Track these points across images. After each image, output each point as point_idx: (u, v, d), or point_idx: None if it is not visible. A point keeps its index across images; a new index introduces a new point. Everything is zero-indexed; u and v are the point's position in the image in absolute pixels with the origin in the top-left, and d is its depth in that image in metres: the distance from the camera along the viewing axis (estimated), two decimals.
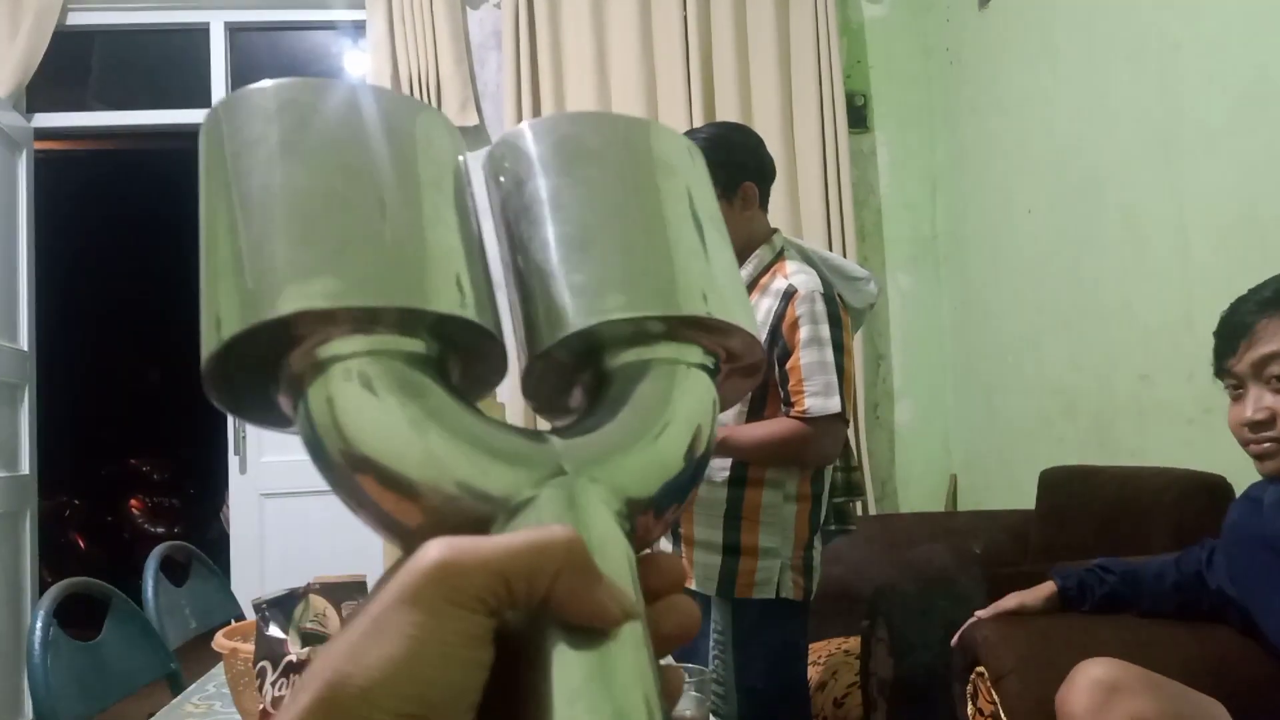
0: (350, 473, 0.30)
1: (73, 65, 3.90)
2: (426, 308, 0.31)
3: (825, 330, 1.83)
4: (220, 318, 0.30)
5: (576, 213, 0.35)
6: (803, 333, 1.83)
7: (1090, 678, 1.48)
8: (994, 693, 1.72)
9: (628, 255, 0.34)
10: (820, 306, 1.84)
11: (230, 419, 3.65)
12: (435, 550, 0.27)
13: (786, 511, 1.90)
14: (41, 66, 3.56)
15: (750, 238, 1.93)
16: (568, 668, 0.27)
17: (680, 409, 0.34)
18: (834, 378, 1.83)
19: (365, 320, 0.30)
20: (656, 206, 0.36)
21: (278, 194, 0.31)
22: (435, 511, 0.30)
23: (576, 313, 0.33)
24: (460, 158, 0.37)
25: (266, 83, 0.34)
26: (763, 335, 1.85)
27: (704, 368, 0.35)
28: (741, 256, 1.91)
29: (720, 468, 1.90)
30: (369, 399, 0.30)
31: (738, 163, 1.90)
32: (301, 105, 0.33)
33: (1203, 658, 1.67)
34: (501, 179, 0.37)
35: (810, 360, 1.83)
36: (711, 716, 1.02)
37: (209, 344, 0.30)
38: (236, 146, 0.33)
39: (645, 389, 0.34)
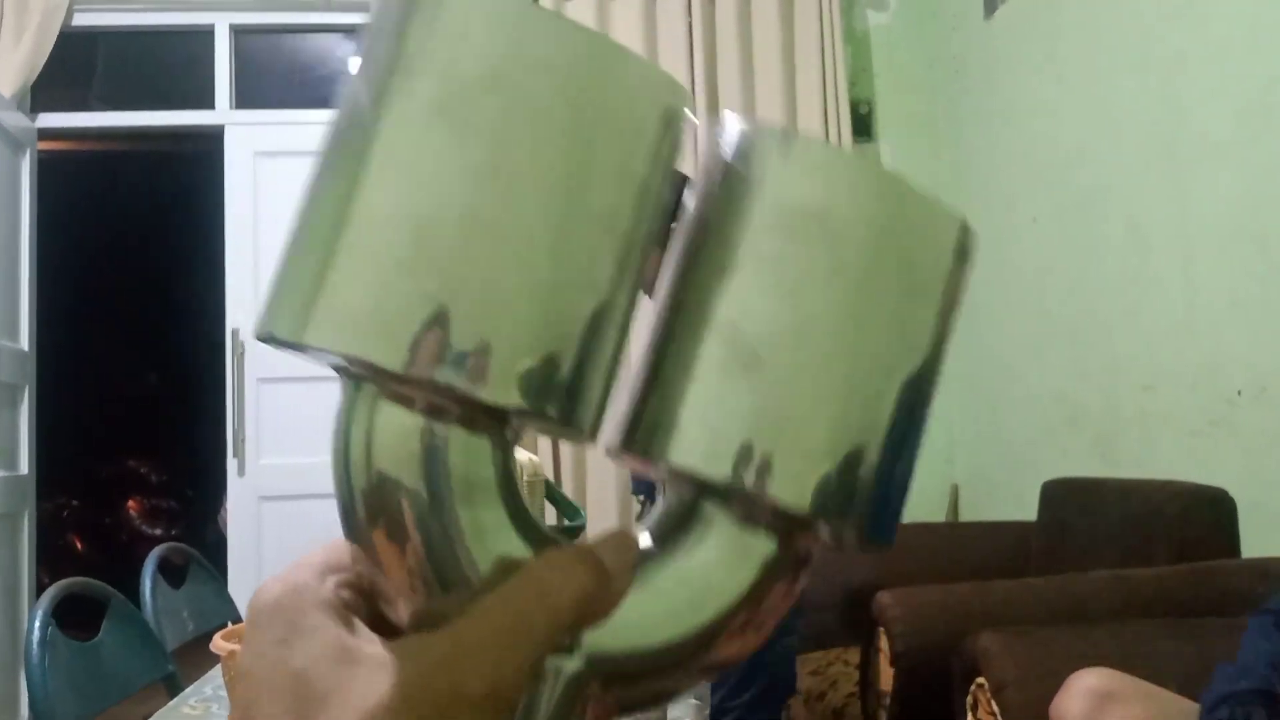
0: (368, 526, 0.27)
1: (77, 66, 3.91)
2: (508, 405, 0.24)
3: None
4: (278, 303, 0.25)
5: (768, 310, 0.26)
6: None
7: (1084, 686, 1.48)
8: (994, 703, 1.71)
9: (788, 409, 0.26)
10: None
11: (230, 422, 3.65)
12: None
13: None
14: (46, 67, 3.56)
15: None
16: None
17: (735, 609, 0.27)
18: None
19: (435, 390, 0.25)
20: (869, 350, 0.26)
21: (403, 177, 0.24)
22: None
23: (688, 448, 0.26)
24: (671, 149, 0.26)
25: None
26: None
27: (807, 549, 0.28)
28: None
29: None
30: (418, 478, 0.26)
31: None
32: (491, 41, 0.25)
33: (1204, 672, 1.66)
34: (705, 189, 0.27)
35: None
36: None
37: (260, 326, 0.26)
38: (401, 66, 0.25)
39: (716, 574, 0.27)
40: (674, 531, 0.28)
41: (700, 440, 0.26)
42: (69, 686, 1.54)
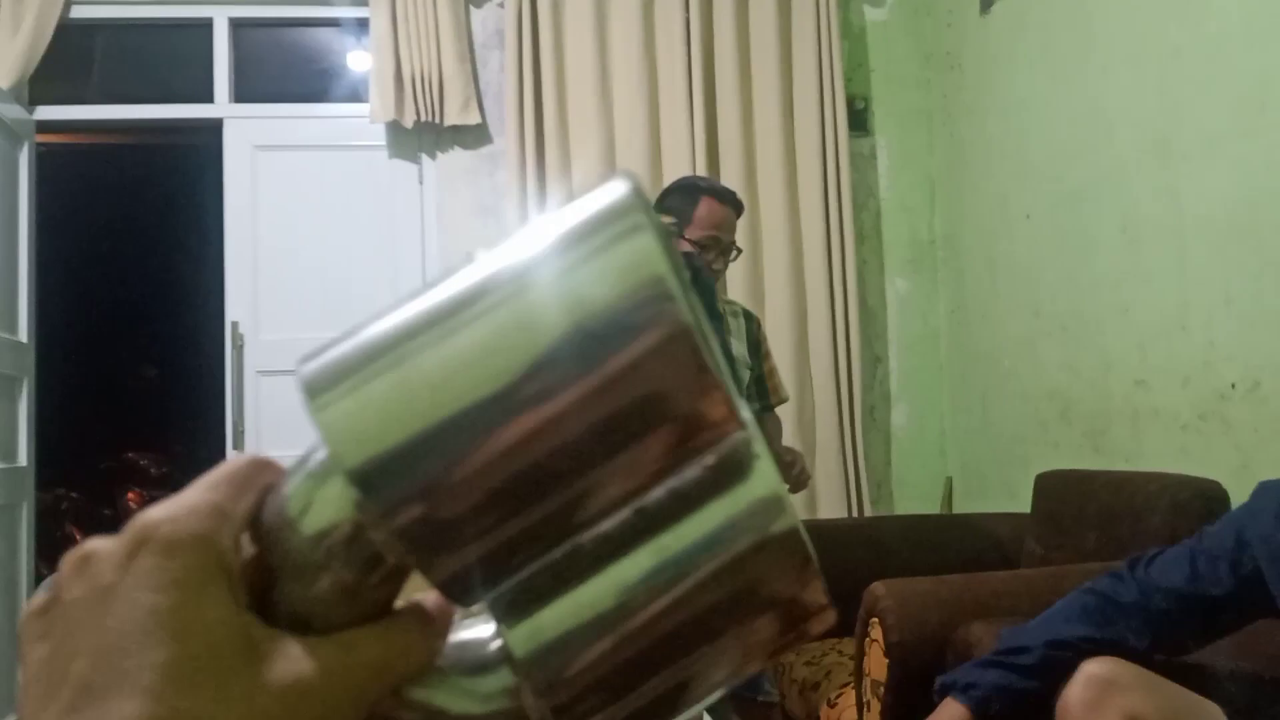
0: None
1: (75, 58, 3.91)
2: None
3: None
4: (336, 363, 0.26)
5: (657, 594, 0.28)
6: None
7: (1086, 674, 1.49)
8: None
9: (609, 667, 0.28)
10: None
11: (229, 414, 3.66)
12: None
13: None
14: (44, 59, 3.57)
15: None
16: None
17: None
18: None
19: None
20: None
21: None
22: None
23: (526, 639, 0.27)
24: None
25: None
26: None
27: None
28: None
29: None
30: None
31: None
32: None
33: (1198, 663, 1.68)
34: None
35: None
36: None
37: (308, 375, 0.27)
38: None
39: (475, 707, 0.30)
40: (479, 655, 0.29)
41: (538, 643, 0.27)
42: None
